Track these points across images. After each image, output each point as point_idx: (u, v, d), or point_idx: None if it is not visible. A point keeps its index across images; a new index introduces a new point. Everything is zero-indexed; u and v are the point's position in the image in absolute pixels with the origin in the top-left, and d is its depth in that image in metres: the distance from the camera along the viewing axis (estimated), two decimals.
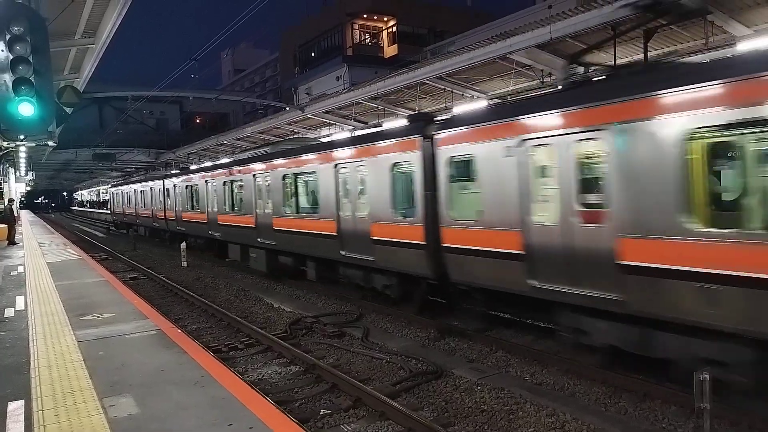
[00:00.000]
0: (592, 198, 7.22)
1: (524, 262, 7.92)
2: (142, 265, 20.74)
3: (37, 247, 22.13)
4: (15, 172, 35.91)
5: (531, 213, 7.89)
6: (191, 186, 22.75)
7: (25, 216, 54.51)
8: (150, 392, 5.63)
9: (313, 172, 13.34)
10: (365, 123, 21.04)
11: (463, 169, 9.22)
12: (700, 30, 10.84)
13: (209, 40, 19.83)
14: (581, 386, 7.37)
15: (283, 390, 7.67)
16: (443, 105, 16.65)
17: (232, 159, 22.09)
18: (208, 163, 26.48)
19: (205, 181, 20.82)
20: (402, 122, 12.85)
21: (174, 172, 30.44)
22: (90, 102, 35.88)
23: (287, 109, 27.18)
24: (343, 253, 12.16)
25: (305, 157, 13.81)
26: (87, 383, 5.91)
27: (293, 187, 14.65)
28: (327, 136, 21.56)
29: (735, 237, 5.61)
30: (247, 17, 15.76)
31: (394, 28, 48.61)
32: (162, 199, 26.93)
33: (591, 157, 7.23)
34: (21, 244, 23.21)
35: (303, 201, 14.48)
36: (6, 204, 25.82)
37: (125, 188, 36.95)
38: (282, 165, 14.89)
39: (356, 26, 48.93)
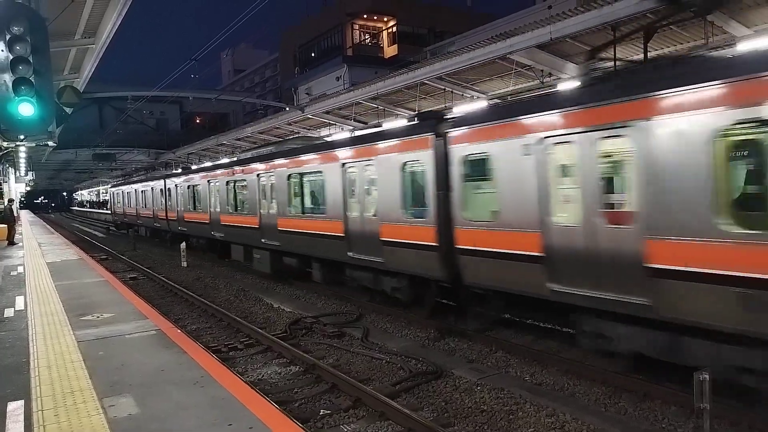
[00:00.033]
0: (617, 198, 6.96)
1: (543, 265, 7.63)
2: (141, 265, 20.73)
3: (37, 247, 22.11)
4: (15, 172, 35.94)
5: (551, 213, 7.57)
6: (193, 186, 22.47)
7: (25, 216, 54.47)
8: (150, 392, 5.63)
9: (320, 172, 13.07)
10: (365, 123, 21.08)
11: (478, 168, 8.81)
12: (700, 30, 10.85)
13: (209, 40, 19.87)
14: (581, 386, 7.37)
15: (283, 390, 7.66)
16: (443, 105, 16.65)
17: (235, 158, 21.89)
18: (210, 163, 26.28)
19: (208, 181, 20.61)
20: (403, 122, 12.81)
21: (176, 171, 30.26)
22: (90, 102, 35.90)
23: (287, 109, 27.18)
24: (350, 254, 11.95)
25: (311, 156, 13.55)
26: (87, 383, 5.91)
27: (298, 187, 14.42)
28: (328, 136, 21.55)
29: None
30: (247, 17, 15.76)
31: (394, 29, 48.65)
32: (163, 200, 26.70)
33: (617, 155, 6.91)
34: (21, 244, 23.20)
35: (308, 201, 14.22)
36: (6, 204, 25.78)
37: (126, 188, 36.81)
38: (287, 164, 14.65)
39: (356, 26, 48.96)
